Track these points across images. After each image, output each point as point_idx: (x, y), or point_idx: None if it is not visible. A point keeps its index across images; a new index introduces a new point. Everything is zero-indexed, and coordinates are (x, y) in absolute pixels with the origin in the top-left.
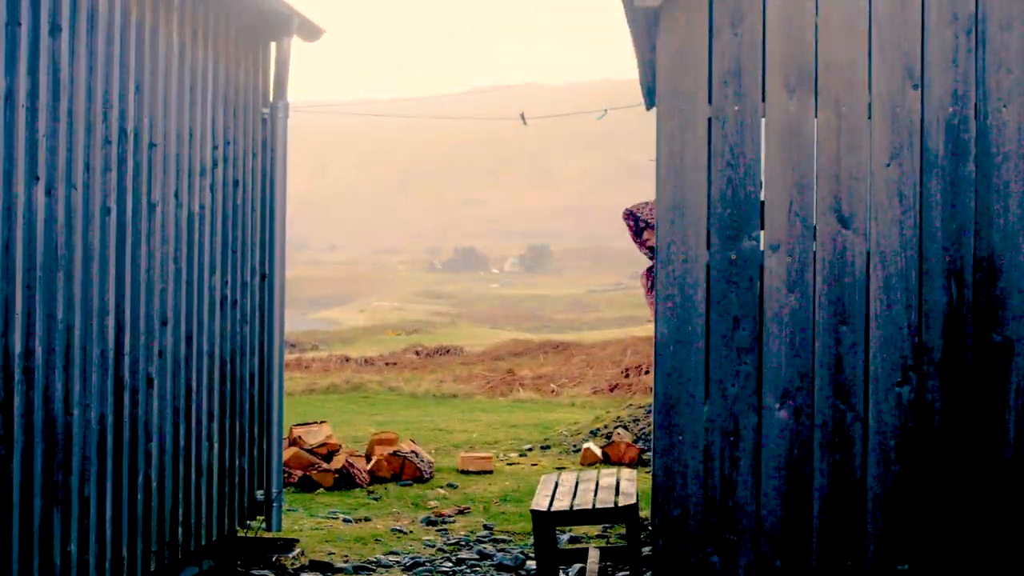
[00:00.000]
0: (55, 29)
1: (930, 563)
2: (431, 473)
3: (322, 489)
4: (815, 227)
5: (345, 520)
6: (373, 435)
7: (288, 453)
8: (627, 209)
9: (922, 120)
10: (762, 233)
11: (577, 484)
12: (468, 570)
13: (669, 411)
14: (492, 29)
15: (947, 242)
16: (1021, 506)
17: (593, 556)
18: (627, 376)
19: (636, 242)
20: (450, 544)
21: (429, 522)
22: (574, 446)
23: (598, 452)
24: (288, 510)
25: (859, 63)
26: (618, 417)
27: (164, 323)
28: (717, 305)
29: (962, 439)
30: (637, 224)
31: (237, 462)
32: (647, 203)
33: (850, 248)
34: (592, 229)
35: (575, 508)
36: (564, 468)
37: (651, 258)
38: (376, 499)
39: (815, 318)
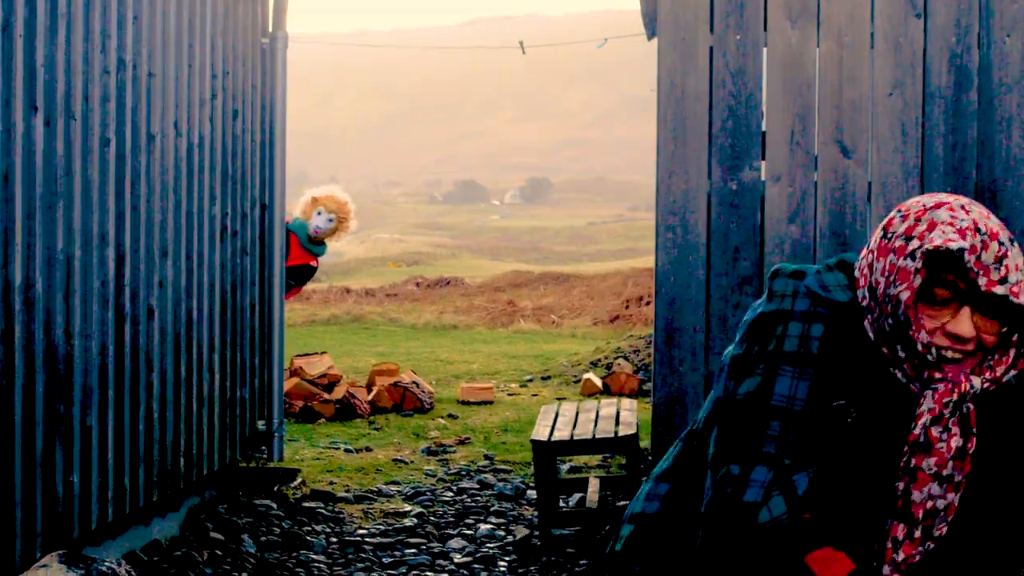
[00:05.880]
0: None
1: None
2: (432, 404)
3: (323, 419)
4: (816, 157)
5: (346, 450)
6: (374, 366)
7: (289, 384)
8: None
9: (925, 50)
10: (763, 163)
11: (577, 414)
12: (468, 499)
13: (669, 342)
14: None
15: (949, 172)
16: None
17: (593, 486)
18: (627, 307)
19: None
20: (451, 474)
21: (430, 452)
22: (574, 377)
23: (598, 383)
24: (289, 440)
25: None
26: (618, 348)
27: (164, 254)
28: (718, 235)
29: None
30: None
31: (238, 393)
32: None
33: (851, 178)
34: (592, 161)
35: (575, 438)
36: (564, 399)
37: None
38: (377, 429)
39: (816, 248)
